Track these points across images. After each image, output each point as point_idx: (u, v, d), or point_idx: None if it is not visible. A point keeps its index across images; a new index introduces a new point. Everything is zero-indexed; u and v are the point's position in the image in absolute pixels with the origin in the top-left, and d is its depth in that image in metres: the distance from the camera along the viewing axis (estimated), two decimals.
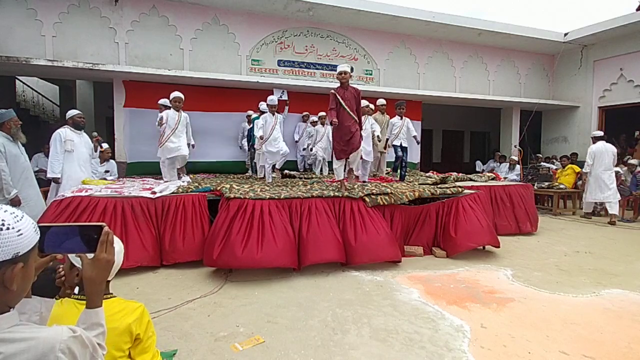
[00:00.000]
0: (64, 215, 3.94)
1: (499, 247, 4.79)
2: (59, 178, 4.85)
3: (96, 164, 6.30)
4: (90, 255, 1.05)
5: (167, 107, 5.91)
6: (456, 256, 4.66)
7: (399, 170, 6.42)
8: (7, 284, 0.81)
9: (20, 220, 0.84)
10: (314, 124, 8.31)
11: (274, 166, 6.23)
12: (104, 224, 1.05)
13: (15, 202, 3.88)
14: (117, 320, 1.39)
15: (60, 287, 1.46)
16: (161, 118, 5.36)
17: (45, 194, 5.24)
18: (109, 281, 1.48)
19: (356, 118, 4.77)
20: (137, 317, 1.46)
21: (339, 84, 4.79)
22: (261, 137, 5.98)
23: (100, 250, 1.03)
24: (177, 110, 5.52)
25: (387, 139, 6.61)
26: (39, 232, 0.90)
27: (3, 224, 0.80)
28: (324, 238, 4.06)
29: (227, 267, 3.88)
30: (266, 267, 3.82)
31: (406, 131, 6.36)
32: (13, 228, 0.81)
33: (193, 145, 6.05)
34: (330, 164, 7.78)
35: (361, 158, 5.42)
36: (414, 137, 6.52)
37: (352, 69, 4.83)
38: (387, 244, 4.26)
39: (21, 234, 0.82)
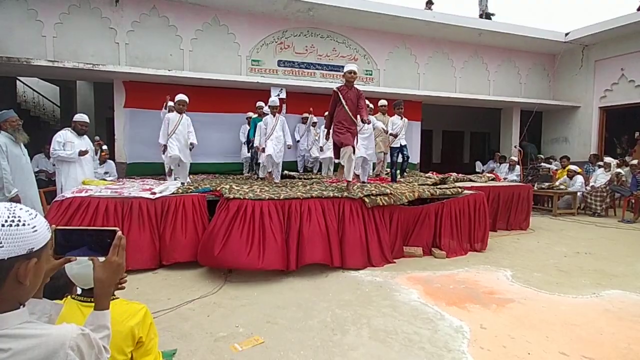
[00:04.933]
0: (65, 216, 3.94)
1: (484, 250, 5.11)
2: (86, 151, 5.00)
3: (95, 165, 6.30)
4: (102, 259, 1.07)
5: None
6: (455, 257, 4.67)
7: (397, 171, 6.37)
8: (21, 279, 0.84)
9: (35, 217, 0.87)
10: (305, 120, 8.35)
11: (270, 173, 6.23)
12: (117, 228, 1.09)
13: (15, 202, 3.88)
14: (120, 323, 1.38)
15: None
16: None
17: (45, 195, 5.25)
18: None
19: (354, 119, 4.78)
20: (139, 320, 1.45)
21: (343, 82, 4.81)
22: (258, 145, 6.14)
23: (113, 253, 1.06)
24: (180, 113, 5.47)
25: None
26: (51, 231, 0.92)
27: (20, 220, 0.83)
28: (320, 240, 4.08)
29: (227, 268, 3.89)
30: (265, 270, 3.84)
31: (404, 132, 6.33)
32: (28, 224, 0.84)
33: (192, 146, 5.69)
34: (336, 165, 7.80)
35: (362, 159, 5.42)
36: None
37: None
38: (381, 249, 4.40)
39: (36, 231, 0.85)
